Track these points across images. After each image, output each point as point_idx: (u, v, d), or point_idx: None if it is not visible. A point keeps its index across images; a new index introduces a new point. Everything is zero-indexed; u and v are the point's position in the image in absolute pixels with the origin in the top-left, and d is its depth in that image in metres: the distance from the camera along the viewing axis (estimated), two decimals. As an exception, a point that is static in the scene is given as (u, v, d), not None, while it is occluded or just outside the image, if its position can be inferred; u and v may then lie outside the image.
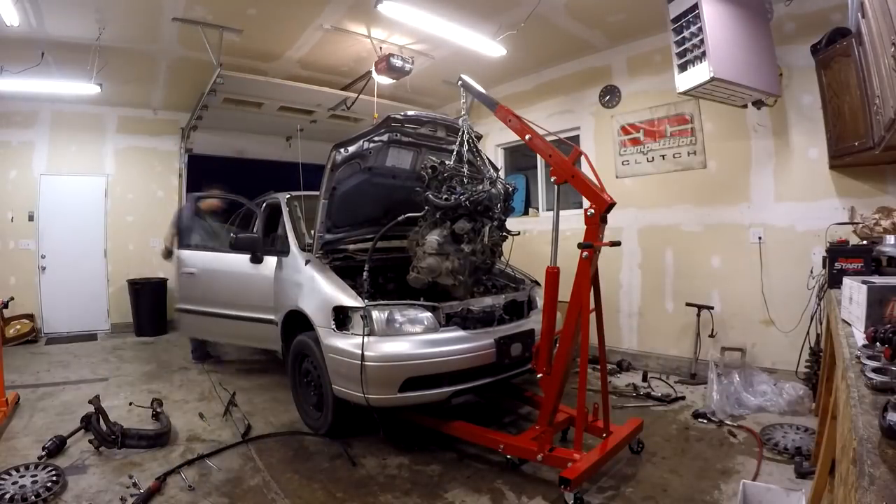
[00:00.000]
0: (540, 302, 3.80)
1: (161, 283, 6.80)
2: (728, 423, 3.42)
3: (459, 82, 3.36)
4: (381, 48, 4.99)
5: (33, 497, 2.46)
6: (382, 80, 5.00)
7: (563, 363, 2.67)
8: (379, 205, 3.94)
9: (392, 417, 3.46)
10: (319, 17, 4.52)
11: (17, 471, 2.72)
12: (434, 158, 3.47)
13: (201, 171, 7.62)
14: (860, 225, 3.32)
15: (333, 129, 7.54)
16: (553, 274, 2.73)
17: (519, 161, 6.82)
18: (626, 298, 5.13)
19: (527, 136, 2.93)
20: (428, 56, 5.33)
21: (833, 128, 3.53)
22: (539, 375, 2.79)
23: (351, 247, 3.81)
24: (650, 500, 2.55)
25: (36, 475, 2.67)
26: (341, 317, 3.11)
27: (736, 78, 3.49)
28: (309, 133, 7.74)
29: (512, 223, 3.61)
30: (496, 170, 3.55)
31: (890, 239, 2.91)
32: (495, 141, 6.57)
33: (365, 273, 3.16)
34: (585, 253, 2.57)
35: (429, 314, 3.12)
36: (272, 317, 4.01)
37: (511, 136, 5.61)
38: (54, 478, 2.65)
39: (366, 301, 3.05)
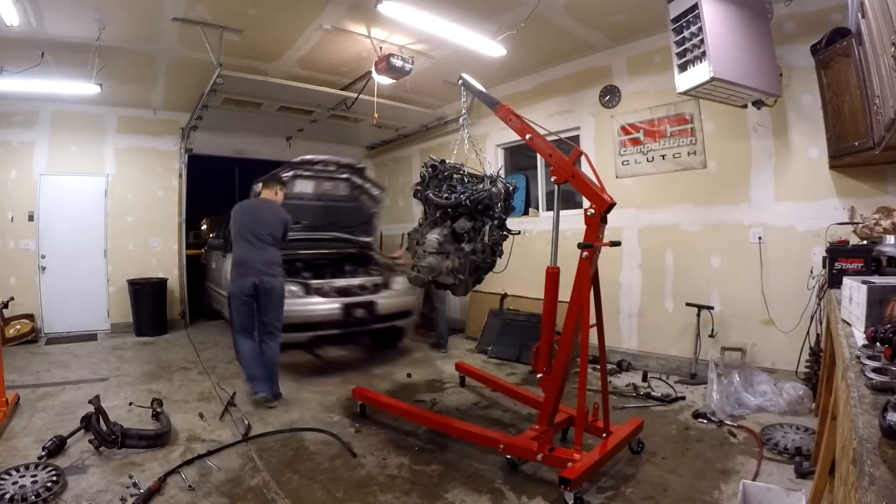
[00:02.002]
0: (395, 286, 5.27)
1: (161, 283, 6.80)
2: (728, 423, 3.42)
3: (460, 81, 3.36)
4: (381, 48, 4.99)
5: (33, 497, 2.46)
6: (382, 80, 4.99)
7: (563, 363, 2.67)
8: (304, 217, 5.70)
9: (391, 417, 3.47)
10: (319, 17, 4.51)
11: (17, 471, 2.71)
12: (434, 157, 3.47)
13: (201, 171, 7.64)
14: (860, 225, 3.31)
15: (333, 129, 7.56)
16: (553, 274, 2.73)
17: (519, 161, 6.82)
18: (626, 298, 5.13)
19: (527, 136, 2.93)
20: (428, 56, 5.33)
21: (833, 128, 3.53)
22: (539, 375, 2.79)
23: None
24: (650, 500, 2.55)
25: (36, 475, 2.67)
26: None
27: (736, 78, 3.49)
28: (309, 133, 7.78)
29: (512, 223, 3.61)
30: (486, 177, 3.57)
31: (890, 239, 2.91)
32: (495, 141, 6.56)
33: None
34: (585, 253, 2.57)
35: (300, 288, 4.77)
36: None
37: (511, 136, 5.62)
38: (54, 478, 2.64)
39: None
